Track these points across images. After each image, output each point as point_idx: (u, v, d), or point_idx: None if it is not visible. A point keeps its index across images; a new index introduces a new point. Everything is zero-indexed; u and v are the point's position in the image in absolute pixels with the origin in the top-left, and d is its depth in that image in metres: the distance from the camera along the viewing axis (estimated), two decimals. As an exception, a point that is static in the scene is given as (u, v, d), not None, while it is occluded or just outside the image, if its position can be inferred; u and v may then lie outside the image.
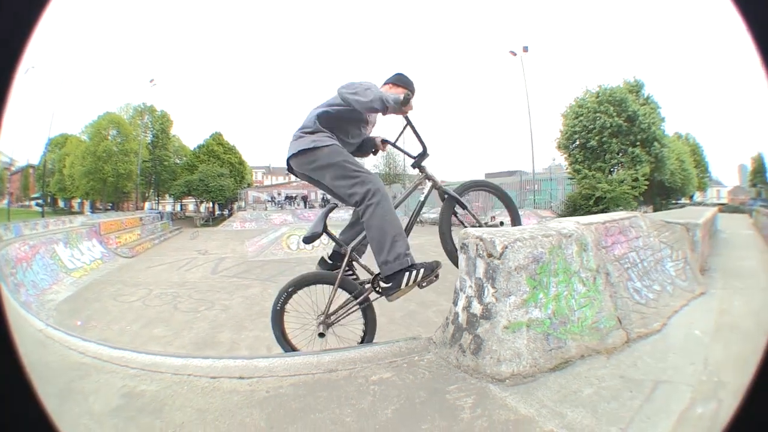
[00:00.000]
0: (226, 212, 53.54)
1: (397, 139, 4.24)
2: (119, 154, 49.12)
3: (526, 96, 45.81)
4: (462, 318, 3.67)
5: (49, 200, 49.34)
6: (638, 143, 31.58)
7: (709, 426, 2.66)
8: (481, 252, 3.58)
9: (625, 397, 2.98)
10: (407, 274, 3.74)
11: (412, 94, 3.70)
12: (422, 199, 4.34)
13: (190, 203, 58.54)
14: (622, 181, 29.12)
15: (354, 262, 4.19)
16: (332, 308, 4.15)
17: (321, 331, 4.10)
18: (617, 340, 3.92)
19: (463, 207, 4.28)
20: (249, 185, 62.21)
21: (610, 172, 31.60)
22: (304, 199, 58.02)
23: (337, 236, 4.26)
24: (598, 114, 31.53)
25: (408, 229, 4.00)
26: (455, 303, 3.83)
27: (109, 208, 49.37)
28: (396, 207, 4.04)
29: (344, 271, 4.05)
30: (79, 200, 51.93)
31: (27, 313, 6.83)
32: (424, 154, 4.11)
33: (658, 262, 5.46)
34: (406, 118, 3.82)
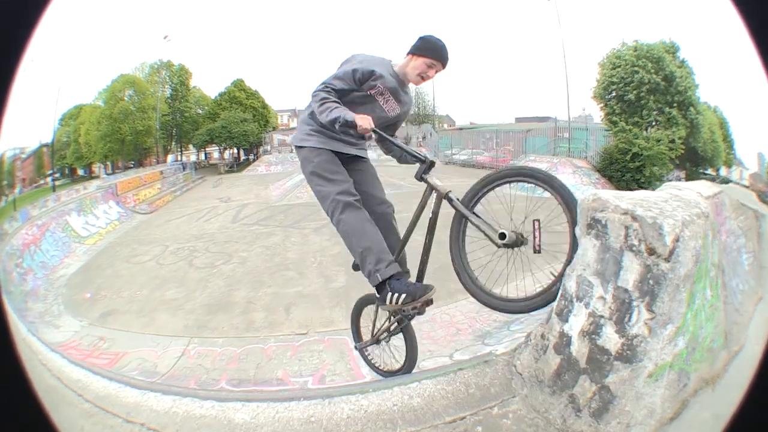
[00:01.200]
0: (251, 157, 52.35)
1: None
2: (137, 112, 47.97)
3: (561, 42, 42.65)
4: (579, 349, 2.26)
5: (67, 172, 48.65)
6: (675, 105, 30.10)
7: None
8: (633, 242, 2.09)
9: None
10: (389, 293, 3.11)
11: (439, 63, 3.24)
12: (431, 216, 3.26)
13: (214, 151, 57.51)
14: (659, 141, 27.81)
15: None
16: (378, 327, 3.88)
17: (363, 347, 4.11)
18: (721, 363, 2.83)
19: (474, 222, 3.08)
20: (274, 129, 60.95)
21: (646, 129, 30.25)
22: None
23: None
24: (636, 68, 30.00)
25: (403, 244, 3.51)
26: (562, 316, 2.40)
27: (131, 166, 48.82)
28: (411, 231, 3.44)
29: None
30: (99, 165, 51.41)
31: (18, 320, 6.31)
32: (425, 163, 3.16)
33: (738, 251, 4.10)
34: (382, 136, 3.21)
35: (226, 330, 9.07)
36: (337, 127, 3.01)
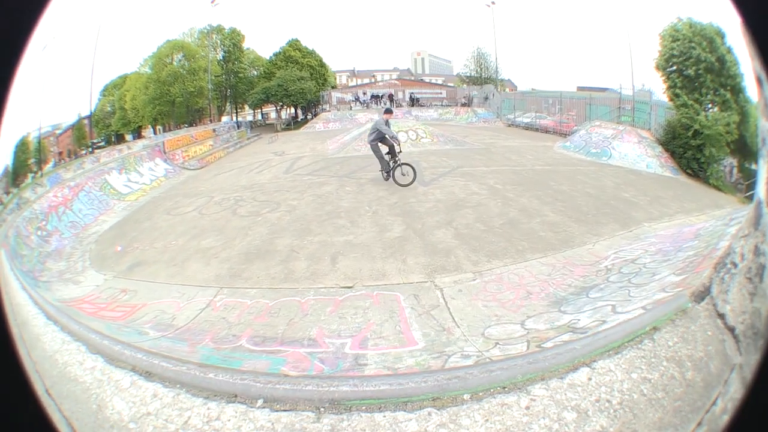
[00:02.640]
0: (309, 116, 51.47)
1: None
2: (186, 75, 47.61)
3: (625, 13, 41.59)
4: None
5: (113, 139, 48.85)
6: (729, 88, 28.95)
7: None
8: None
9: None
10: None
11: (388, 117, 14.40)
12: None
13: (271, 111, 57.02)
14: (718, 120, 27.06)
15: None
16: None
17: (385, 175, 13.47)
18: None
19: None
20: (333, 87, 60.03)
21: (706, 109, 29.14)
22: (390, 97, 54.47)
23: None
24: (692, 44, 29.33)
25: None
26: None
27: (184, 128, 48.88)
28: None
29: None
30: (150, 128, 51.65)
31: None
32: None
33: None
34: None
35: (261, 279, 7.80)
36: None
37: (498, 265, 7.95)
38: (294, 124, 48.92)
